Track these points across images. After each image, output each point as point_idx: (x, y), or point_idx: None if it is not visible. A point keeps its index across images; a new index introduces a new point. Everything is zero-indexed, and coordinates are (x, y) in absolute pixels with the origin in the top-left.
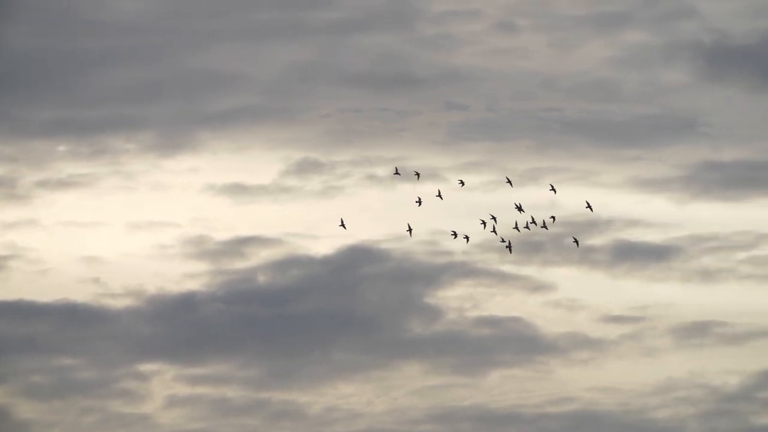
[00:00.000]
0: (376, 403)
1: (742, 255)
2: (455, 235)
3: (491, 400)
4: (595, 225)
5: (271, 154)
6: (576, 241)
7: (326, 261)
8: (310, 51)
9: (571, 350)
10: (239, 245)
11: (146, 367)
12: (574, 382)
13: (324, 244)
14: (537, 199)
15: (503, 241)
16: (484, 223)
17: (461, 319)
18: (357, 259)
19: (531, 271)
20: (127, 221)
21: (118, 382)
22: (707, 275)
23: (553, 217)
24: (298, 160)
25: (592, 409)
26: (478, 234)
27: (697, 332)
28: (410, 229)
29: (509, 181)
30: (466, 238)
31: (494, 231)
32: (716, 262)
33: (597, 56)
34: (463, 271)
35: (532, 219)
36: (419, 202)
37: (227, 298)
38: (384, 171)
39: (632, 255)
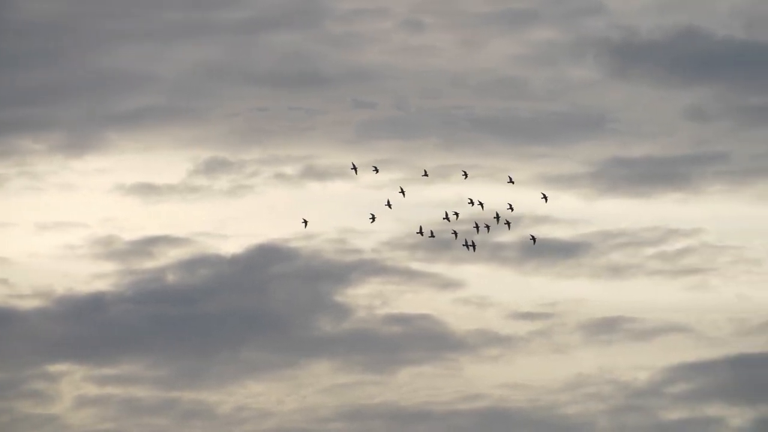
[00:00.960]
0: (286, 402)
1: (650, 250)
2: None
3: (401, 397)
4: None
5: (179, 153)
6: (533, 239)
7: (235, 260)
8: (217, 50)
9: (481, 347)
10: (148, 245)
11: (55, 367)
12: (484, 378)
13: (233, 243)
14: (446, 195)
15: (467, 244)
16: (447, 218)
17: (371, 317)
18: (266, 258)
19: (440, 268)
20: (35, 222)
21: (27, 383)
22: (616, 271)
23: (510, 207)
24: (206, 159)
25: (502, 406)
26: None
27: (606, 328)
28: (373, 218)
29: (426, 173)
30: (431, 232)
31: (454, 233)
32: (625, 258)
33: (505, 54)
34: (373, 268)
35: (497, 214)
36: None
37: (136, 298)
38: (292, 169)
39: (541, 251)
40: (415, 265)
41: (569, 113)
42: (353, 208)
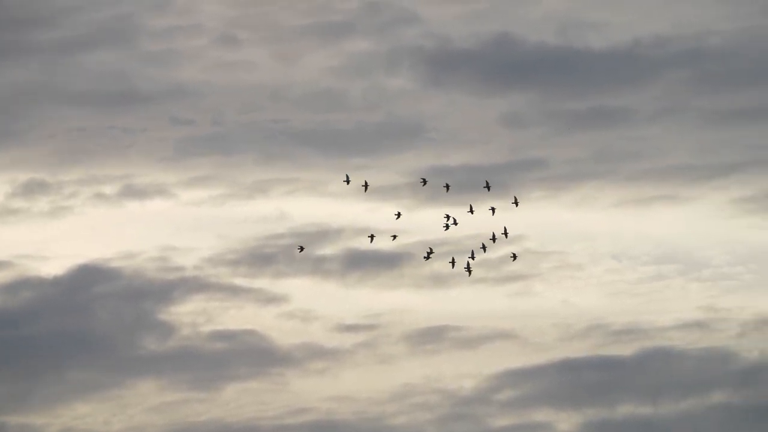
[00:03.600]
0: (113, 422)
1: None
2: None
3: (228, 414)
4: (325, 235)
5: None
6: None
7: (57, 281)
8: (32, 71)
9: (307, 361)
10: None
11: None
12: (311, 392)
13: (54, 265)
14: (266, 211)
15: (468, 268)
16: (447, 225)
17: (195, 334)
18: (88, 279)
19: (263, 283)
20: None
21: None
22: (439, 280)
23: (505, 232)
24: (24, 181)
25: (330, 419)
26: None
27: (431, 337)
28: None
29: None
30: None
31: (472, 256)
32: (447, 267)
33: (321, 66)
34: (195, 285)
35: (493, 234)
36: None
37: None
38: (111, 189)
39: (363, 263)
40: (238, 281)
41: (387, 124)
42: (173, 225)
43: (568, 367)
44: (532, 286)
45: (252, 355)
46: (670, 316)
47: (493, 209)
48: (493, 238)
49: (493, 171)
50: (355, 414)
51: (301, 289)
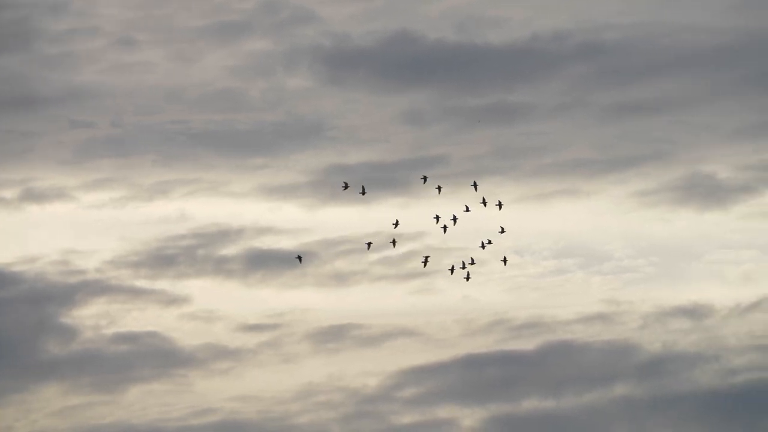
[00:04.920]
0: (16, 428)
1: (374, 256)
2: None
3: (132, 416)
4: (227, 235)
5: None
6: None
7: None
8: None
9: (210, 361)
10: None
11: None
12: (215, 393)
13: None
14: (166, 212)
15: (463, 267)
16: (445, 227)
17: (98, 337)
18: None
19: (165, 284)
20: None
21: None
22: (341, 278)
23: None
24: None
25: (234, 419)
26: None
27: (334, 336)
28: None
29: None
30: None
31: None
32: (349, 265)
33: (219, 66)
34: (97, 288)
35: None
36: (454, 219)
37: None
38: (11, 193)
39: (266, 263)
40: (140, 283)
41: (287, 123)
42: (74, 228)
43: (471, 363)
44: (434, 282)
45: (155, 357)
46: (572, 309)
47: (467, 207)
48: (482, 245)
49: (393, 168)
50: (260, 413)
51: (204, 290)
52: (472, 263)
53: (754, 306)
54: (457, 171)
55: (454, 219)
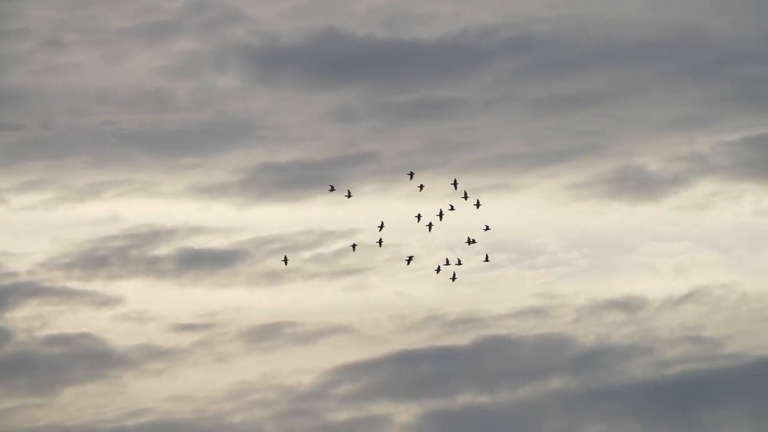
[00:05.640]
0: None
1: (306, 254)
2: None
3: (67, 418)
4: (158, 235)
5: None
6: (487, 258)
7: None
8: None
9: (144, 362)
10: None
11: None
12: (149, 393)
13: None
14: (98, 213)
15: (447, 263)
16: (430, 225)
17: (31, 339)
18: None
19: (98, 285)
20: None
21: None
22: (274, 277)
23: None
24: None
25: (168, 419)
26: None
27: (267, 334)
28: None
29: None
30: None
31: (459, 262)
32: (282, 263)
33: (148, 67)
34: (30, 290)
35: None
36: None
37: None
38: None
39: (198, 262)
40: (73, 284)
41: (216, 122)
42: (6, 231)
43: (406, 359)
44: (367, 279)
45: (89, 358)
46: (506, 304)
47: (452, 206)
48: (469, 241)
49: (324, 166)
50: (194, 413)
51: (136, 290)
52: (459, 263)
53: (687, 298)
54: (388, 167)
55: (441, 215)
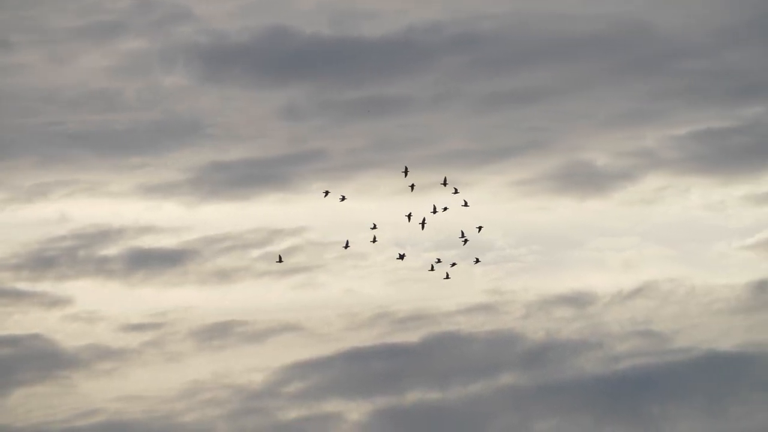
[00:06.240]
0: None
1: (256, 252)
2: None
3: (16, 419)
4: (107, 235)
5: None
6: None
7: None
8: None
9: (94, 362)
10: None
11: None
12: (99, 393)
13: None
14: (46, 214)
15: (437, 260)
16: (423, 224)
17: None
18: None
19: (46, 286)
20: None
21: None
22: (224, 276)
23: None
24: None
25: (119, 419)
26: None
27: (218, 333)
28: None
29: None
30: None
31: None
32: (231, 262)
33: (95, 66)
34: None
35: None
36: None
37: None
38: None
39: (147, 262)
40: (21, 285)
41: (164, 121)
42: None
43: (356, 357)
44: (316, 277)
45: (38, 359)
46: (456, 300)
47: (445, 208)
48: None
49: (273, 164)
50: (145, 413)
51: (85, 291)
52: (453, 264)
53: (636, 292)
54: (335, 165)
55: (434, 210)
